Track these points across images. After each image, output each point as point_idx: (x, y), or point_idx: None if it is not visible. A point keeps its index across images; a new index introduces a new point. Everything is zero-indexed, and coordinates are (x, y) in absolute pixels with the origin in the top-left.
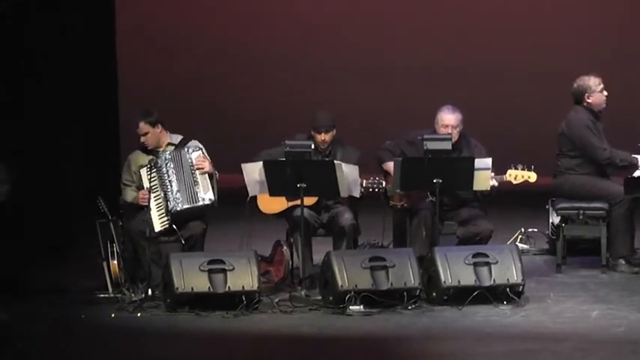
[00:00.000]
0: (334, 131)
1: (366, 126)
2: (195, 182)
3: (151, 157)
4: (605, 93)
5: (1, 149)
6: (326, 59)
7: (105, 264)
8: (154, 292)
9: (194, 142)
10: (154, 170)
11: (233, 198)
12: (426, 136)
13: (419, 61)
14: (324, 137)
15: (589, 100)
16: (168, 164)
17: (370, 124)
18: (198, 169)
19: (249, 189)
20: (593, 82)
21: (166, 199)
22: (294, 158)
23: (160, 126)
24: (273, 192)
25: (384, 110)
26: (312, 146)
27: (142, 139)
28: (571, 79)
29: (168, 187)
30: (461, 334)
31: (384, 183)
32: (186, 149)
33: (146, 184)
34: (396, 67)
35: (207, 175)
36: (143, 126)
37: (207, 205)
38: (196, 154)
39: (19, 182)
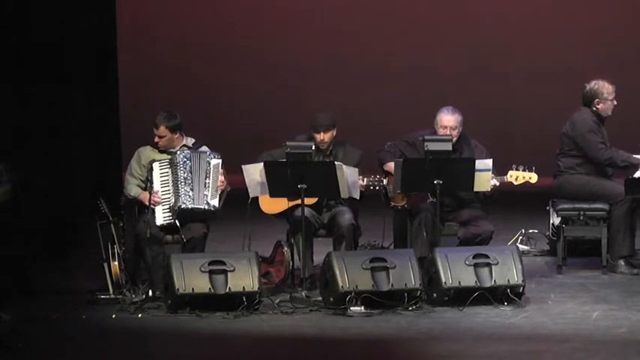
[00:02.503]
0: (334, 131)
1: (366, 127)
2: (207, 186)
3: (164, 154)
4: (615, 102)
5: (2, 149)
6: (327, 60)
7: (106, 265)
8: (155, 293)
9: (204, 148)
10: (168, 166)
11: (233, 199)
12: (426, 137)
13: (419, 62)
14: (322, 137)
15: (598, 106)
16: (186, 163)
17: (370, 126)
18: (219, 187)
19: (249, 190)
20: (607, 90)
21: (177, 195)
22: (294, 159)
23: (178, 132)
24: (274, 193)
25: (384, 111)
26: (313, 147)
27: (157, 139)
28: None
29: (182, 183)
30: (461, 335)
31: (384, 181)
32: (207, 153)
33: (156, 179)
34: (396, 68)
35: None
36: (163, 130)
37: (211, 210)
38: (215, 162)
39: (20, 183)
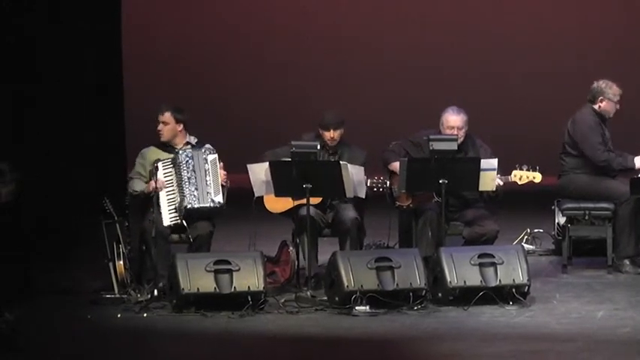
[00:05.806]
0: (342, 129)
1: (371, 127)
2: (208, 183)
3: (167, 154)
4: (618, 106)
5: (6, 150)
6: (331, 60)
7: (111, 264)
8: (160, 293)
9: (208, 146)
10: (171, 166)
11: (239, 198)
12: (431, 137)
13: (423, 62)
14: (333, 135)
15: (600, 104)
16: (189, 162)
17: (374, 126)
18: (222, 180)
19: (255, 190)
20: (613, 91)
21: (182, 195)
22: (300, 159)
23: (182, 125)
24: (279, 192)
25: (388, 111)
26: (319, 147)
27: (159, 126)
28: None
29: (186, 183)
30: (466, 335)
31: (388, 183)
32: (203, 150)
33: (161, 179)
34: (401, 68)
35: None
36: (168, 116)
37: (216, 207)
38: (212, 157)
39: (25, 182)
